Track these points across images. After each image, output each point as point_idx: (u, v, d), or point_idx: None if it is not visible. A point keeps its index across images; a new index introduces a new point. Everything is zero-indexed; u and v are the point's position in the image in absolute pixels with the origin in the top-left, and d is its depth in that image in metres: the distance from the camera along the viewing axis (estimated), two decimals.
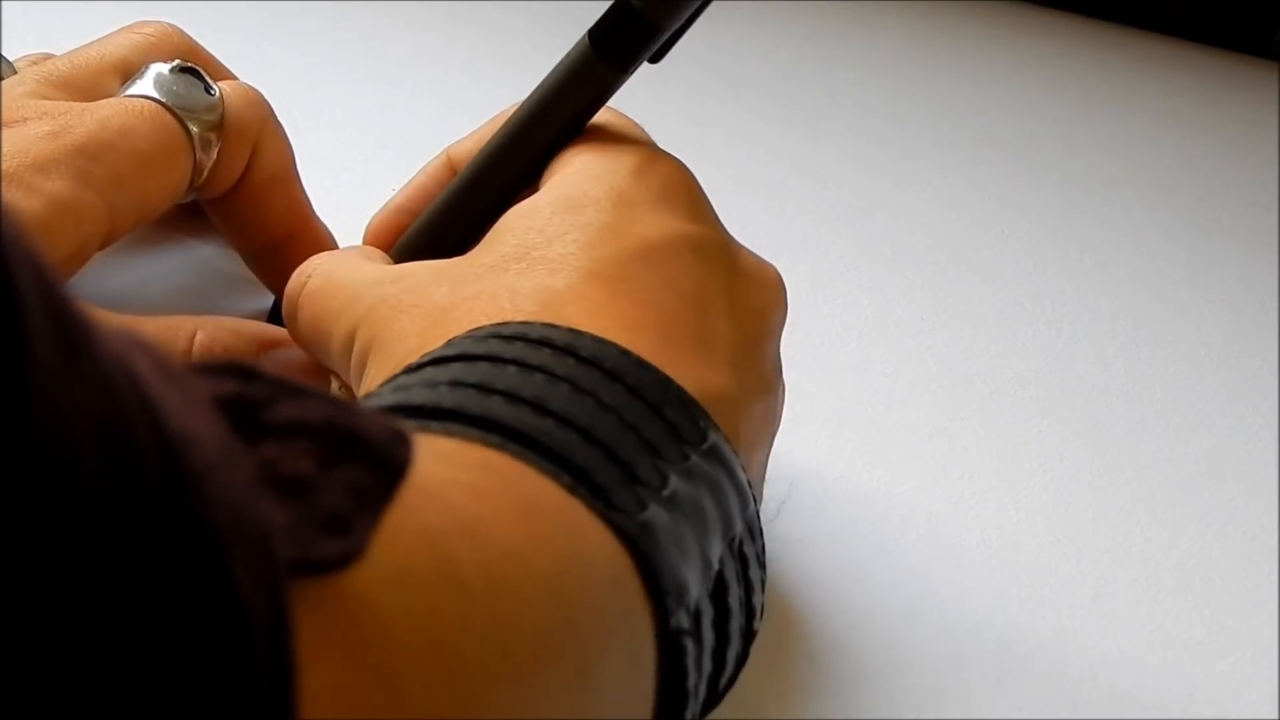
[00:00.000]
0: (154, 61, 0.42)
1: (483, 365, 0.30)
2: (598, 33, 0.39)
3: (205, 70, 0.43)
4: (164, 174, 0.40)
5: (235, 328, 0.41)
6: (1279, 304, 0.61)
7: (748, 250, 0.38)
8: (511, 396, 0.29)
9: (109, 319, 0.38)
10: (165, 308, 0.42)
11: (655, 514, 0.28)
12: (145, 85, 0.42)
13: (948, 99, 0.73)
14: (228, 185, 0.43)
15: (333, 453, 0.20)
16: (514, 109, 0.41)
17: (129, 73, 0.43)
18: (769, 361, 0.37)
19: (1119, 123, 0.75)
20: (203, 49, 0.46)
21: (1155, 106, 0.77)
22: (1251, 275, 0.63)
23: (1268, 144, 0.75)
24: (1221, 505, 0.48)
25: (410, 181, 0.44)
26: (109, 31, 0.45)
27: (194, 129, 0.41)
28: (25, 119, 0.39)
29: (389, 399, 0.29)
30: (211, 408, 0.18)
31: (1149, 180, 0.69)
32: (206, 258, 0.48)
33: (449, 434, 0.27)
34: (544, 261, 0.35)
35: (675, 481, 0.29)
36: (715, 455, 0.31)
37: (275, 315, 0.46)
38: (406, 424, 0.24)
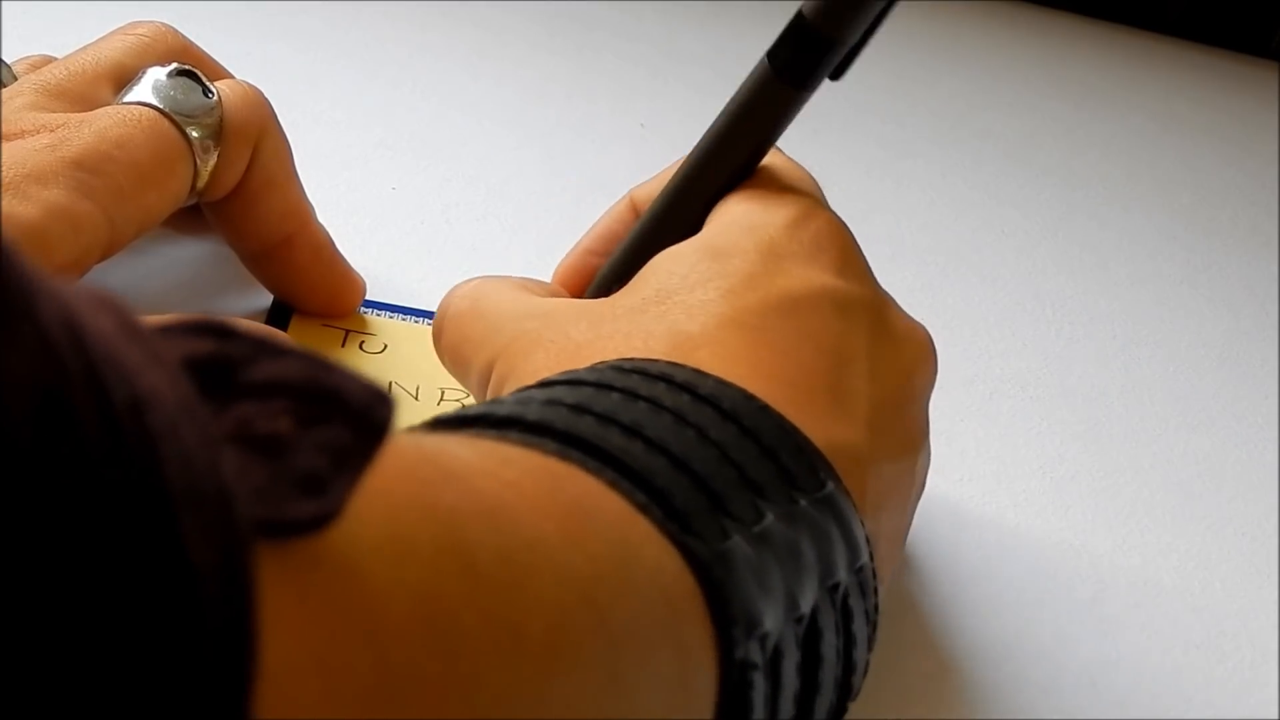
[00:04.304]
0: (150, 64, 0.42)
1: (587, 390, 0.29)
2: (775, 51, 0.38)
3: (202, 70, 0.42)
4: (164, 183, 0.40)
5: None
6: (1279, 304, 0.61)
7: (900, 310, 0.38)
8: (604, 418, 0.28)
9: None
10: (163, 305, 0.42)
11: (737, 545, 0.28)
12: (143, 91, 0.41)
13: (948, 99, 0.73)
14: (228, 188, 0.43)
15: (312, 412, 0.19)
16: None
17: (125, 77, 0.42)
18: (911, 423, 0.36)
19: (1119, 123, 0.75)
20: (198, 48, 0.45)
21: (1155, 106, 0.77)
22: (1251, 275, 0.63)
23: (1268, 144, 0.75)
24: (1221, 506, 0.48)
25: (595, 224, 0.43)
26: (106, 33, 0.45)
27: (194, 134, 0.41)
28: (24, 132, 0.39)
29: (475, 410, 0.28)
30: (176, 367, 0.17)
31: (1149, 180, 0.69)
32: (204, 256, 0.48)
33: (524, 444, 0.27)
34: (683, 306, 0.34)
35: (771, 520, 0.29)
36: (829, 504, 0.30)
37: (274, 315, 0.46)
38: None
